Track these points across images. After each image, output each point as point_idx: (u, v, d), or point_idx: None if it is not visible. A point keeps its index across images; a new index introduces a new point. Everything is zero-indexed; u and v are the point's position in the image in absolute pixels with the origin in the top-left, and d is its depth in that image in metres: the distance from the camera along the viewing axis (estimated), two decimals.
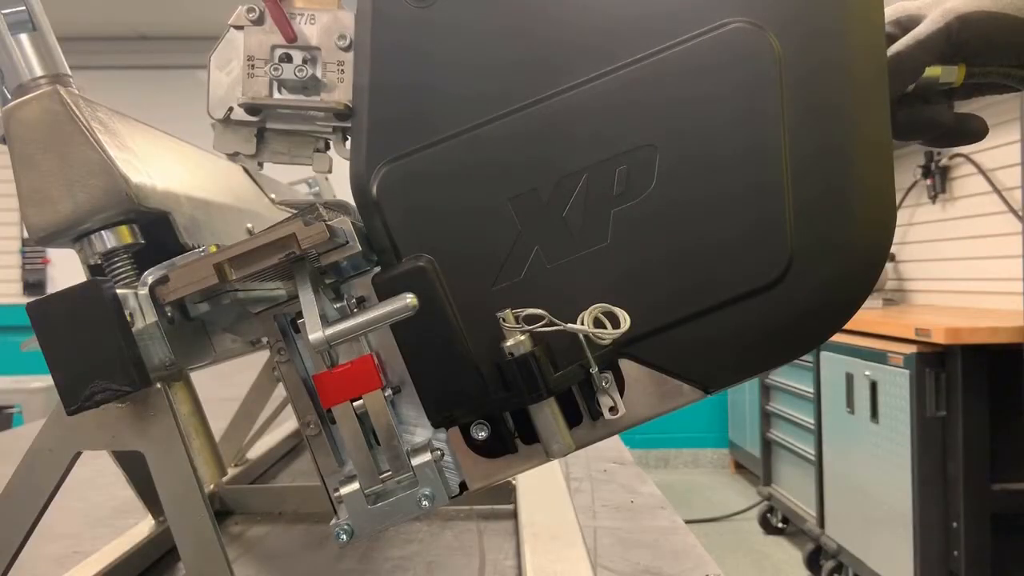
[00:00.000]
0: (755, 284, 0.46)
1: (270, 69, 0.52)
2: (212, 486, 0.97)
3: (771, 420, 3.81)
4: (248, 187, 0.78)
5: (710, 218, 0.46)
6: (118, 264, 0.50)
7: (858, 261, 0.46)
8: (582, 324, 0.46)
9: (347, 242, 0.45)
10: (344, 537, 0.49)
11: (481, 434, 0.49)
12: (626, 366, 0.48)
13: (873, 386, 2.66)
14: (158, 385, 0.48)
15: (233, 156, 0.55)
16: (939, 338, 2.33)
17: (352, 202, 0.50)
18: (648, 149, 0.46)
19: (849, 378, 2.84)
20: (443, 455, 0.50)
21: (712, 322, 0.47)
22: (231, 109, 0.54)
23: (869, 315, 2.85)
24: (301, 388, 0.49)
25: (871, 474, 2.71)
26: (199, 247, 0.50)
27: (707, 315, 0.47)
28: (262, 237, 0.43)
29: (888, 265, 3.59)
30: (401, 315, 0.45)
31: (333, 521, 0.50)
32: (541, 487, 0.93)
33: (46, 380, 0.48)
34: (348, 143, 0.52)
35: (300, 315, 0.46)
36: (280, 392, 1.14)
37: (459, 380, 0.48)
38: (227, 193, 0.68)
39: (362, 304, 0.48)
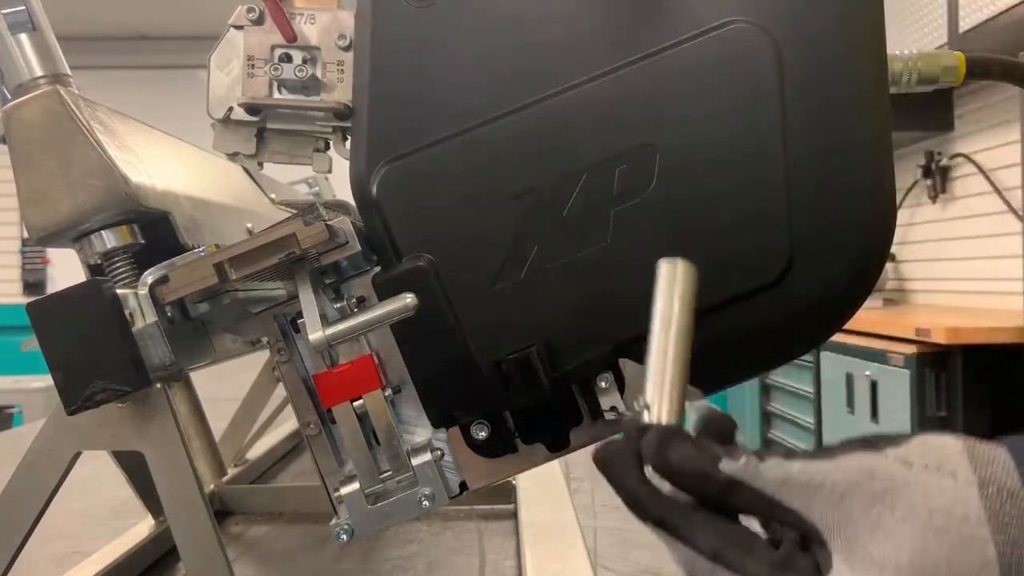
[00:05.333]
0: (755, 284, 0.46)
1: (270, 69, 0.52)
2: (212, 486, 0.97)
3: (771, 420, 3.81)
4: (248, 187, 0.78)
5: (710, 218, 0.46)
6: (118, 264, 0.50)
7: (858, 261, 0.46)
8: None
9: (347, 242, 0.45)
10: (344, 537, 0.49)
11: (481, 434, 0.49)
12: (626, 366, 0.48)
13: (873, 386, 2.66)
14: (158, 385, 0.48)
15: (233, 156, 0.55)
16: (939, 338, 2.33)
17: (352, 202, 0.50)
18: (648, 149, 0.46)
19: (849, 378, 2.84)
20: (443, 455, 0.50)
21: (712, 322, 0.46)
22: (231, 109, 0.54)
23: (869, 315, 2.84)
24: (301, 388, 0.49)
25: None
26: (199, 247, 0.50)
27: (707, 315, 0.47)
28: (262, 237, 0.43)
29: (888, 265, 3.59)
30: (401, 315, 0.45)
31: (333, 521, 0.49)
32: (541, 487, 0.93)
33: (46, 380, 0.48)
34: (348, 143, 0.52)
35: (300, 315, 0.46)
36: (280, 392, 1.14)
37: (459, 380, 0.48)
38: (227, 193, 0.68)
39: (362, 304, 0.48)
